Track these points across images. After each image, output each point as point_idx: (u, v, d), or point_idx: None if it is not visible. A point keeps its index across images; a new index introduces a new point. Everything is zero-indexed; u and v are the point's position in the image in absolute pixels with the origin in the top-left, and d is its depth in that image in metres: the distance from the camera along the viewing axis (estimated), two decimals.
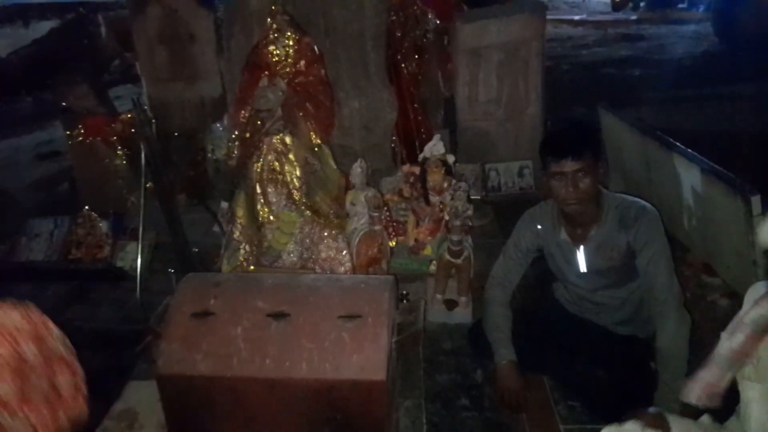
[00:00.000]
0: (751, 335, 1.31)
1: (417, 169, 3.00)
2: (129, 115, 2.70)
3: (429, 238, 2.99)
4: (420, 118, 3.69)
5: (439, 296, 2.64)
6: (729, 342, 1.36)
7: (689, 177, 2.75)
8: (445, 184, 2.91)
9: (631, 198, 2.00)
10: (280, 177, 2.41)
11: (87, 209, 2.89)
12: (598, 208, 1.96)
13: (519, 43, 3.75)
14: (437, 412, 2.13)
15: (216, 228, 3.02)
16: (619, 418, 1.94)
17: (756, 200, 2.30)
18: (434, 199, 2.94)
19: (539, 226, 2.12)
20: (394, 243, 3.05)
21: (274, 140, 2.39)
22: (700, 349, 2.00)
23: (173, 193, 2.82)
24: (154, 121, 2.45)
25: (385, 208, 2.99)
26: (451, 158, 2.94)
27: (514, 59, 3.77)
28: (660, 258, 1.89)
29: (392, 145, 3.52)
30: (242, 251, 2.57)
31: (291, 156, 2.42)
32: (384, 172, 3.27)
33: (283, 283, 1.97)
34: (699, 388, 1.43)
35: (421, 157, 2.95)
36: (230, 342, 1.79)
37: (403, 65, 3.67)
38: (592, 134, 1.95)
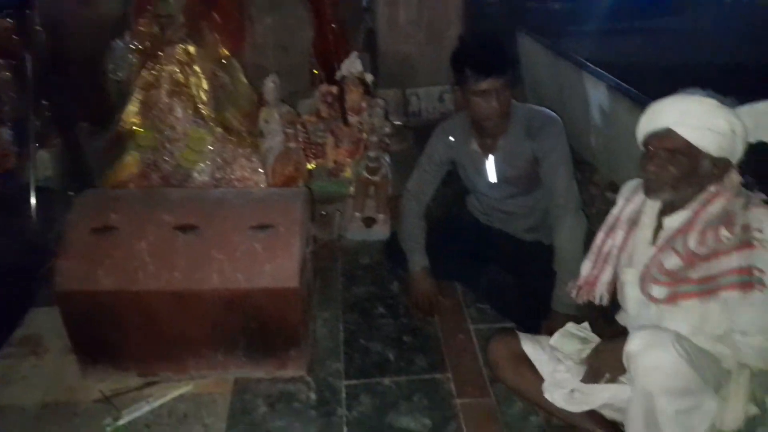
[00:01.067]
0: (627, 230, 1.43)
1: (335, 89, 2.93)
2: (9, 21, 2.44)
3: (348, 159, 2.97)
4: (339, 39, 3.57)
5: (357, 214, 2.65)
6: (610, 239, 1.51)
7: (597, 95, 2.86)
8: (364, 104, 2.87)
9: (537, 108, 2.06)
10: (184, 89, 2.27)
11: None
12: (506, 118, 2.00)
13: None
14: (354, 320, 2.18)
15: None
16: (523, 317, 2.10)
17: None
18: (353, 119, 2.90)
19: (451, 138, 2.15)
20: (313, 165, 3.01)
21: (177, 50, 2.24)
22: None
23: (70, 113, 2.60)
24: (39, 28, 2.20)
25: (303, 130, 2.92)
26: (369, 77, 2.88)
27: None
28: (560, 164, 1.98)
29: (310, 66, 3.40)
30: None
31: (196, 67, 2.28)
32: (302, 95, 3.17)
33: (191, 196, 1.90)
34: (579, 285, 1.57)
35: (338, 75, 2.87)
36: (135, 256, 1.72)
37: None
38: (506, 49, 1.95)
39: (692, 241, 1.28)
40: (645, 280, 1.38)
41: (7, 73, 2.42)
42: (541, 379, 1.57)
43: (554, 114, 2.02)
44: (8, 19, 2.41)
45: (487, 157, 2.09)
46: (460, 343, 2.08)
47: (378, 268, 2.47)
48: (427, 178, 2.23)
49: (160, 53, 2.24)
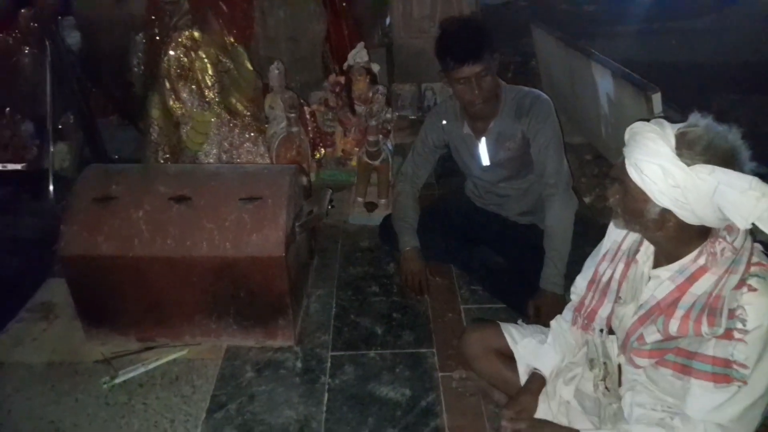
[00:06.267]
0: (627, 261, 1.28)
1: (342, 79, 3.01)
2: (29, 9, 2.62)
3: (356, 148, 3.03)
4: (353, 33, 3.65)
5: (360, 199, 2.71)
6: (609, 269, 1.31)
7: (604, 83, 2.84)
8: (371, 93, 2.93)
9: (526, 89, 2.07)
10: (190, 74, 2.39)
11: (8, 110, 2.81)
12: (496, 101, 2.02)
13: None
14: (347, 298, 2.24)
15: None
16: (513, 298, 2.11)
17: (656, 97, 2.39)
18: (360, 108, 2.97)
19: (444, 122, 2.18)
20: (322, 154, 3.09)
21: (183, 35, 2.36)
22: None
23: (87, 100, 2.77)
24: (60, 17, 2.36)
25: (312, 119, 3.01)
26: (375, 66, 2.94)
27: None
28: (550, 144, 1.98)
29: (324, 60, 3.50)
30: (160, 153, 2.57)
31: (201, 53, 2.39)
32: (313, 86, 3.26)
33: (186, 170, 2.00)
34: (576, 310, 1.40)
35: (345, 65, 2.95)
36: (132, 224, 1.83)
37: None
38: (484, 31, 1.88)
39: (673, 328, 1.12)
40: (626, 348, 1.25)
41: (26, 60, 2.59)
42: (514, 373, 1.50)
43: (543, 94, 2.03)
44: (26, 8, 2.59)
45: (479, 140, 2.11)
46: (448, 321, 2.10)
47: (376, 250, 2.52)
48: (420, 162, 2.27)
49: (169, 40, 2.36)
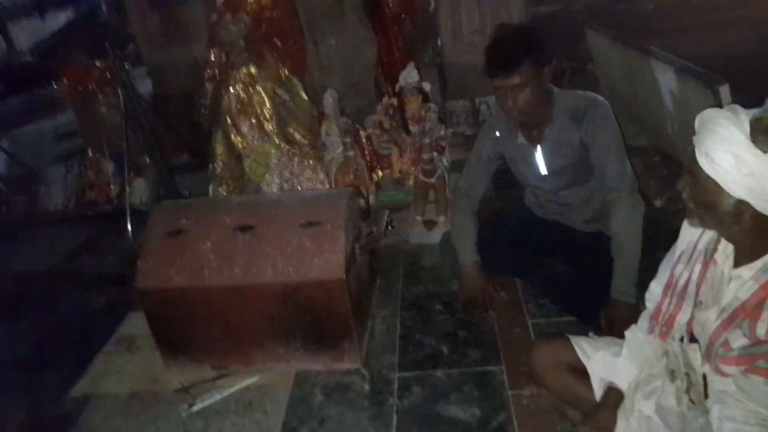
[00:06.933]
0: (704, 261, 1.21)
1: (395, 101, 3.04)
2: (103, 63, 2.85)
3: (412, 168, 3.05)
4: (404, 55, 3.70)
5: (418, 218, 2.71)
6: (686, 272, 1.25)
7: (666, 81, 2.71)
8: (423, 112, 2.95)
9: (581, 93, 2.01)
10: (249, 108, 2.50)
11: (91, 151, 3.07)
12: (548, 107, 1.97)
13: None
14: (411, 317, 2.22)
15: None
16: (583, 310, 2.02)
17: (724, 89, 2.26)
18: (413, 128, 2.99)
19: (497, 133, 2.15)
20: (379, 176, 3.12)
21: (241, 72, 2.48)
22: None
23: (159, 141, 2.95)
24: (128, 66, 2.56)
25: (369, 143, 3.05)
26: (427, 85, 2.96)
27: None
28: (610, 147, 1.90)
29: (376, 83, 3.56)
30: (225, 186, 2.69)
31: (258, 87, 2.50)
32: (367, 110, 3.31)
33: (249, 201, 2.09)
34: (652, 317, 1.34)
35: (397, 87, 2.98)
36: (201, 255, 1.92)
37: (384, 3, 3.66)
38: (526, 42, 1.81)
39: (761, 331, 1.06)
40: (710, 356, 1.17)
41: (103, 109, 2.82)
42: (587, 388, 1.43)
43: (599, 97, 1.97)
44: (100, 60, 2.84)
45: (534, 148, 2.06)
46: (516, 337, 2.04)
47: (438, 268, 2.50)
48: (476, 176, 2.24)
49: (228, 78, 2.50)
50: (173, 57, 4.27)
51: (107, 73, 2.89)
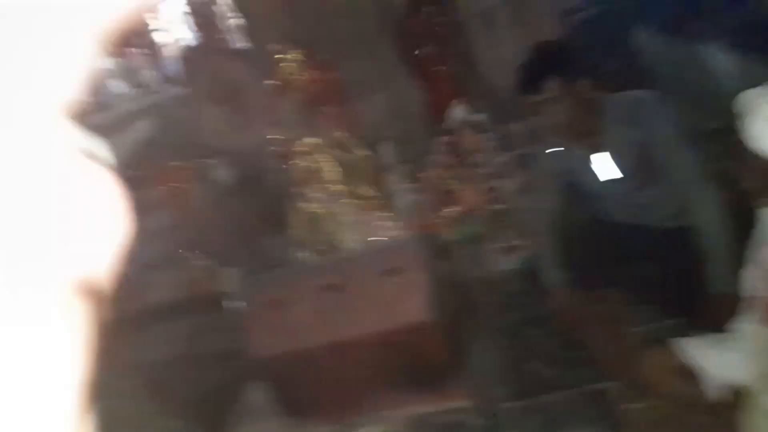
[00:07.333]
0: None
1: (449, 138, 3.13)
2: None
3: (480, 199, 3.09)
4: (452, 91, 3.78)
5: (496, 245, 2.73)
6: None
7: (720, 63, 2.65)
8: (479, 143, 3.01)
9: (631, 92, 2.00)
10: (315, 175, 2.67)
11: (180, 251, 3.37)
12: (595, 115, 1.97)
13: None
14: (510, 345, 2.23)
15: None
16: (682, 309, 1.96)
17: None
18: (473, 160, 3.05)
19: (552, 149, 2.17)
20: (448, 214, 3.18)
21: (301, 144, 2.67)
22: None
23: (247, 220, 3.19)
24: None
25: (432, 182, 3.14)
26: (478, 117, 3.04)
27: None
28: (670, 140, 1.88)
29: (430, 125, 3.66)
30: (307, 252, 2.83)
31: (319, 154, 2.67)
32: (424, 153, 3.41)
33: (331, 261, 2.20)
34: (756, 304, 1.30)
35: (448, 124, 3.08)
36: (298, 319, 2.04)
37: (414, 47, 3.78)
38: (552, 59, 1.84)
39: None
40: None
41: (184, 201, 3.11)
42: (702, 391, 1.37)
43: (651, 92, 1.96)
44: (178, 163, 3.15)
45: (593, 156, 2.06)
46: (620, 349, 2.00)
47: (526, 292, 2.49)
48: (542, 195, 2.26)
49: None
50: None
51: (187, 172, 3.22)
